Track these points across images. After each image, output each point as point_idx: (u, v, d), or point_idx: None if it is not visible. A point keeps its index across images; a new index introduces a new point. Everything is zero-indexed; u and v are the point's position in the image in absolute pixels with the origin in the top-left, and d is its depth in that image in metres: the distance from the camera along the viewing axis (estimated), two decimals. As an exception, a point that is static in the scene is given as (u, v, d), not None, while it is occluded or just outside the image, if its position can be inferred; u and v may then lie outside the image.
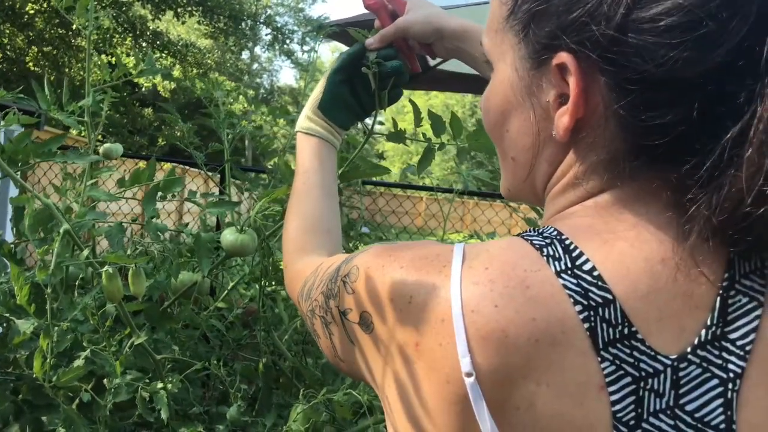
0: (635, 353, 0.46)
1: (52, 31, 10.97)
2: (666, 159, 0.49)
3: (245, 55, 24.38)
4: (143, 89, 12.99)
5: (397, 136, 1.13)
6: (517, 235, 0.55)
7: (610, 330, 0.46)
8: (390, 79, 0.97)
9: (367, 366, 0.58)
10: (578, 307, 0.46)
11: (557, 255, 0.49)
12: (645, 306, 0.47)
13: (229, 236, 1.23)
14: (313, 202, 0.88)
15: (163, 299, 1.57)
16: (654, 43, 0.47)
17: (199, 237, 1.22)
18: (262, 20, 13.75)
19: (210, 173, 2.06)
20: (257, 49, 25.15)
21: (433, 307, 0.49)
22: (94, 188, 1.20)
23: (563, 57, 0.50)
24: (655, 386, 0.46)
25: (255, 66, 27.28)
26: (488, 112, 0.60)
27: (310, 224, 0.87)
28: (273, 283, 1.47)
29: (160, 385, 1.06)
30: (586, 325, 0.46)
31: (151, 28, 12.31)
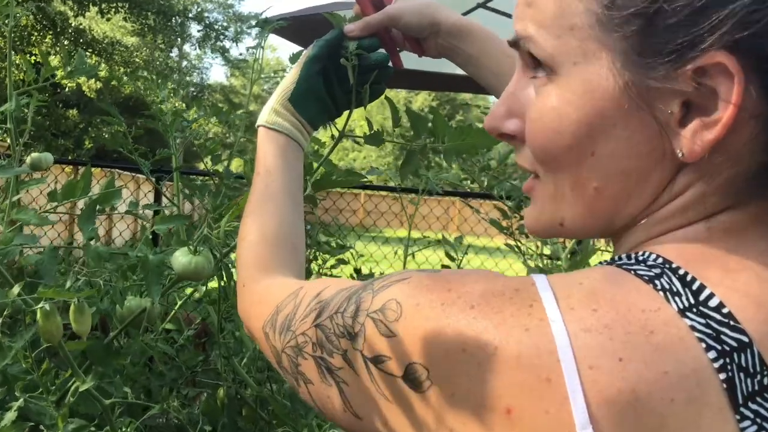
0: None
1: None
2: None
3: (174, 53, 23.66)
4: (66, 90, 12.35)
5: (374, 137, 1.00)
6: (608, 263, 0.45)
7: (749, 381, 0.38)
8: (371, 73, 0.85)
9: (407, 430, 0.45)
10: (712, 354, 0.38)
11: (675, 289, 0.40)
12: None
13: (181, 258, 1.08)
14: (278, 210, 0.74)
15: (105, 324, 1.40)
16: None
17: (147, 260, 1.06)
18: (191, 16, 13.31)
19: (139, 176, 1.88)
20: (186, 47, 24.45)
21: (531, 362, 0.38)
22: (21, 209, 1.03)
23: (718, 57, 0.39)
24: None
25: (184, 64, 26.51)
26: (559, 132, 0.46)
27: (274, 236, 0.72)
28: (232, 305, 1.33)
29: (112, 439, 0.91)
30: (722, 376, 0.37)
31: (72, 25, 11.68)
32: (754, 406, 0.37)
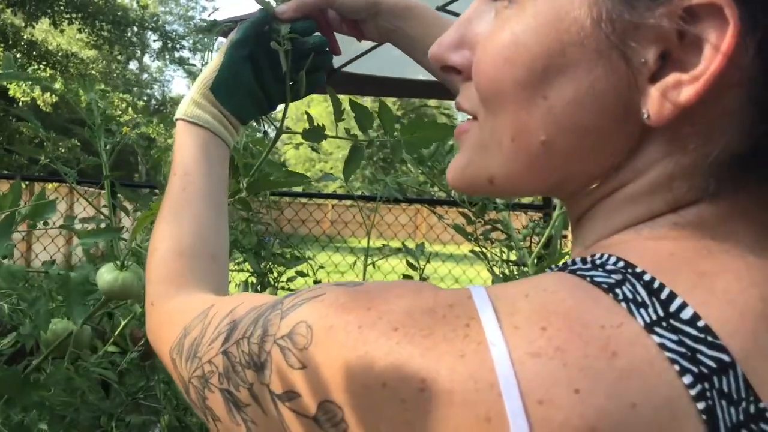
0: None
1: None
2: None
3: (134, 65, 23.28)
4: (21, 104, 12.00)
5: (314, 133, 0.90)
6: (560, 268, 0.37)
7: (732, 410, 0.31)
8: (307, 59, 0.75)
9: None
10: (687, 378, 0.31)
11: (640, 299, 0.33)
12: None
13: (106, 275, 0.96)
14: (195, 216, 0.65)
15: (24, 353, 1.27)
16: None
17: (68, 278, 0.95)
18: (148, 26, 13.10)
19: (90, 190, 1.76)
20: (146, 59, 24.09)
21: (467, 398, 0.31)
22: None
23: None
24: None
25: (145, 76, 26.09)
26: (511, 62, 0.38)
27: (189, 246, 0.62)
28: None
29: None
30: (700, 405, 0.30)
31: (25, 37, 11.38)
32: None
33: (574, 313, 0.32)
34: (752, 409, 0.31)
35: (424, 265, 1.77)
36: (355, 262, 1.96)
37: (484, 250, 1.72)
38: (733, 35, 0.32)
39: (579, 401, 0.30)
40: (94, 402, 1.16)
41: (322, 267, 2.15)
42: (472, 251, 1.78)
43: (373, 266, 1.81)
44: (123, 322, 1.46)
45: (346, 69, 3.37)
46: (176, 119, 0.70)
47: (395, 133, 0.91)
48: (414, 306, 0.35)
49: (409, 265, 1.76)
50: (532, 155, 0.40)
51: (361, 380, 0.33)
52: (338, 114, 0.92)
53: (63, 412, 1.09)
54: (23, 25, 10.87)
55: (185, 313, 0.53)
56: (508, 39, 0.39)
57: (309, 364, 0.36)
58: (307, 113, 0.91)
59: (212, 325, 0.46)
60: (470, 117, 0.44)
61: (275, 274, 1.81)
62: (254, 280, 1.80)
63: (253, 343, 0.40)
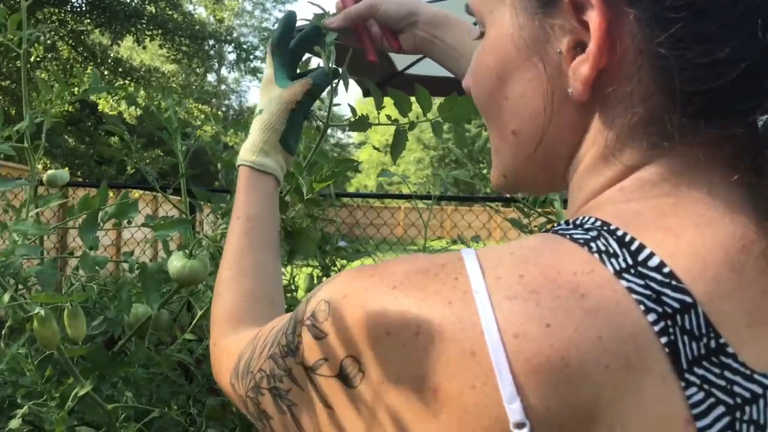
0: (727, 373, 0.36)
1: (11, 65, 10.71)
2: (724, 110, 0.38)
3: (212, 77, 24.22)
4: (107, 117, 12.77)
5: (359, 123, 0.99)
6: (546, 230, 0.43)
7: (694, 344, 0.35)
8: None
9: None
10: (651, 316, 0.36)
11: (611, 250, 0.38)
12: (732, 309, 0.37)
13: (176, 263, 1.07)
14: (256, 261, 0.71)
15: (114, 339, 1.41)
16: None
17: (145, 267, 1.07)
18: (223, 39, 13.66)
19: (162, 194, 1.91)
20: (223, 71, 25.00)
21: (455, 337, 0.36)
22: (20, 222, 1.04)
23: None
24: (754, 416, 0.36)
25: (223, 87, 27.07)
26: (481, 79, 0.49)
27: (250, 290, 0.69)
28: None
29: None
30: (663, 340, 0.35)
31: (111, 55, 12.10)
32: (700, 371, 0.35)
33: (550, 263, 0.38)
34: (713, 344, 0.35)
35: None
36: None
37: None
38: (600, 20, 0.39)
39: (549, 334, 0.35)
40: (174, 378, 1.28)
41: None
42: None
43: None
44: (199, 313, 1.59)
45: (410, 71, 3.45)
46: (240, 165, 0.77)
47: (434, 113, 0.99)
48: (411, 268, 0.41)
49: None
50: (512, 146, 0.48)
51: (370, 332, 0.40)
52: (379, 103, 1.01)
53: (146, 387, 1.22)
54: (110, 43, 11.59)
55: (239, 344, 0.59)
56: (476, 62, 0.50)
57: (330, 331, 0.42)
58: (350, 106, 1.00)
59: (260, 343, 0.53)
60: None
61: (338, 267, 1.91)
62: (319, 272, 1.92)
63: (288, 334, 0.47)
